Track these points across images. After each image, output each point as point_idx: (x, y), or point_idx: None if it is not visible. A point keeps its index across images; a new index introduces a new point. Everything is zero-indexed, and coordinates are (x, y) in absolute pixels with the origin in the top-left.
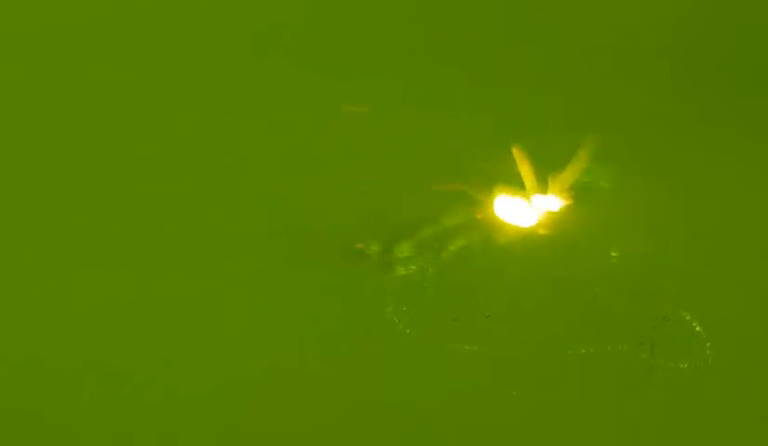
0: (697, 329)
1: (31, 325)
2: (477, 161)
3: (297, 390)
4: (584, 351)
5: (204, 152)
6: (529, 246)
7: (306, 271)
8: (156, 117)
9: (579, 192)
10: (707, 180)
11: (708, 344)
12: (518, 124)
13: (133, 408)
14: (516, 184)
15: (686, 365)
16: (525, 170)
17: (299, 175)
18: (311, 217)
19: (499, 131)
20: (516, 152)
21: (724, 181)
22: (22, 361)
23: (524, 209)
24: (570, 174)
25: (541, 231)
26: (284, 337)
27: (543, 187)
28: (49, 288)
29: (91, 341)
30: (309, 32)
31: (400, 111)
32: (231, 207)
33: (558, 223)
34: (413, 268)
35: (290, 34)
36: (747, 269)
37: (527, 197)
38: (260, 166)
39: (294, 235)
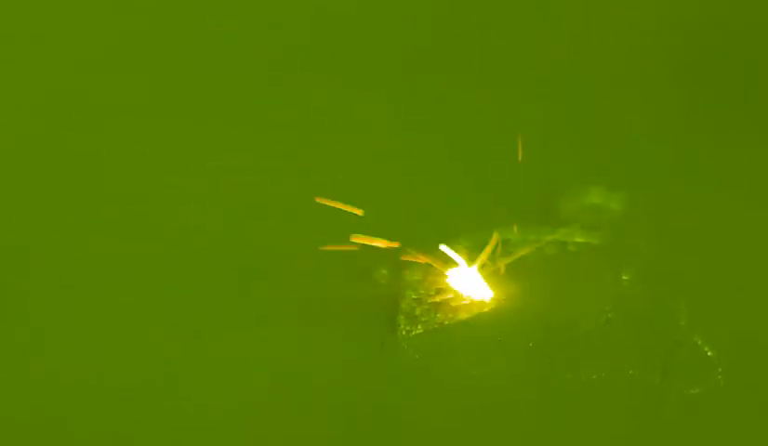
0: (709, 354)
1: (37, 336)
2: (479, 175)
3: (303, 409)
4: (595, 376)
5: (209, 163)
6: (540, 270)
7: (313, 291)
8: (166, 130)
9: (590, 215)
10: (719, 203)
11: (719, 369)
12: (523, 134)
13: (135, 415)
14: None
15: (698, 390)
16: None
17: (307, 192)
18: (320, 237)
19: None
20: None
21: (737, 204)
22: (27, 370)
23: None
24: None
25: (550, 255)
26: (290, 355)
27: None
28: (53, 296)
29: (95, 350)
30: (321, 52)
31: (406, 129)
32: (238, 222)
33: (568, 247)
34: (422, 292)
35: (303, 55)
36: (760, 294)
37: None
38: (268, 185)
39: (303, 255)
